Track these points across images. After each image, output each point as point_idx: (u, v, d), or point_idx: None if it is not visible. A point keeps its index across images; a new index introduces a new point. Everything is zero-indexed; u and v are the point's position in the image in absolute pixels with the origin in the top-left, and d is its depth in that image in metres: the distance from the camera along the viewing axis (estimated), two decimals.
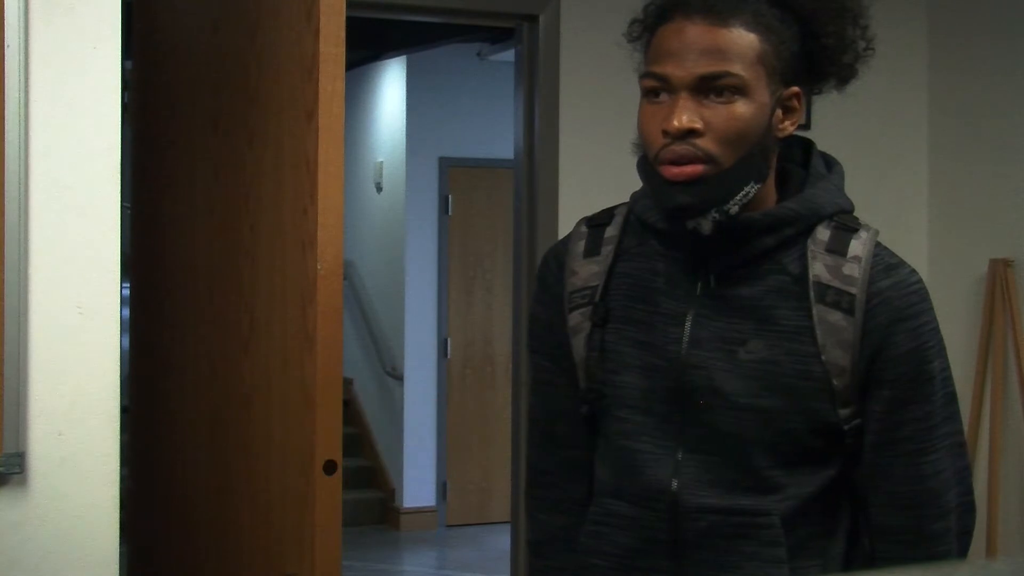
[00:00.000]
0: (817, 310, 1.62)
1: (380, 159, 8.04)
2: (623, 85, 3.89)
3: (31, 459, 2.13)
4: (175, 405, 2.91)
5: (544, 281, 1.80)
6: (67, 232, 2.15)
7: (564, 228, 3.64)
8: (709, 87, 1.58)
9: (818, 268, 1.63)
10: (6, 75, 2.08)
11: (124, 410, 2.26)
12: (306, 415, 2.22)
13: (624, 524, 1.70)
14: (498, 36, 6.22)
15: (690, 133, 1.57)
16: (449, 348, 7.74)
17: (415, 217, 7.68)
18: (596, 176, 3.66)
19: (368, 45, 7.07)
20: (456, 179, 7.74)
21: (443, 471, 7.74)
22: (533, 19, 3.71)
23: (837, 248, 1.63)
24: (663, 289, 1.68)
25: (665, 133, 1.58)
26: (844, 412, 1.63)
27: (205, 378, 2.72)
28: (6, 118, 2.07)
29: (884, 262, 1.64)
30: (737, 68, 1.58)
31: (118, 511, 2.17)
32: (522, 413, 3.77)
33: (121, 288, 2.20)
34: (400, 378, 7.70)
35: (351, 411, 8.10)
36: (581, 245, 1.76)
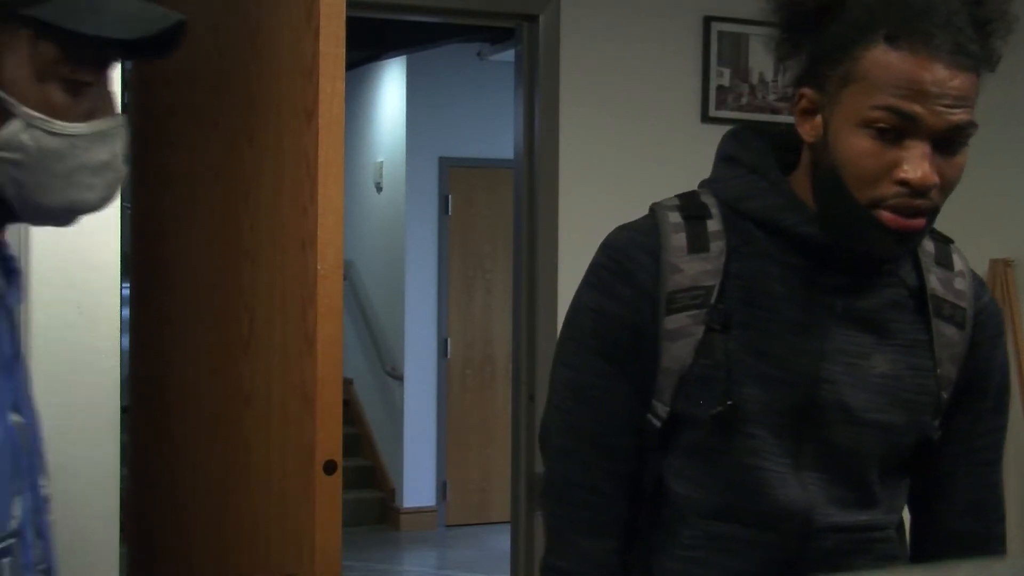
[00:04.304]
0: (935, 324, 1.59)
1: (380, 159, 8.04)
2: (623, 85, 3.90)
3: None
4: (175, 405, 2.91)
5: (628, 275, 1.58)
6: (67, 232, 2.15)
7: (564, 228, 3.64)
8: (950, 136, 1.46)
9: (934, 281, 1.60)
10: None
11: (124, 410, 2.27)
12: (306, 415, 2.22)
13: (735, 548, 1.57)
14: (498, 36, 6.22)
15: (929, 188, 1.46)
16: (449, 348, 7.74)
17: (415, 217, 7.68)
18: (596, 176, 3.66)
19: (368, 45, 7.07)
20: (456, 179, 7.74)
21: (443, 471, 7.74)
22: (533, 19, 3.71)
23: (943, 261, 1.62)
24: (782, 295, 1.56)
25: (903, 183, 1.45)
26: (936, 423, 1.61)
27: (205, 378, 2.72)
28: None
29: (977, 277, 1.65)
30: (974, 116, 1.47)
31: (118, 511, 2.17)
32: (523, 413, 3.77)
33: (121, 288, 2.20)
34: (400, 378, 7.70)
35: (351, 411, 8.10)
36: (681, 238, 1.58)
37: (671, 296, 1.56)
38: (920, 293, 1.60)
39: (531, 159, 3.68)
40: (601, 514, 1.62)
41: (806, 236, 1.54)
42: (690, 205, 1.60)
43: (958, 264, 1.63)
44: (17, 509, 1.23)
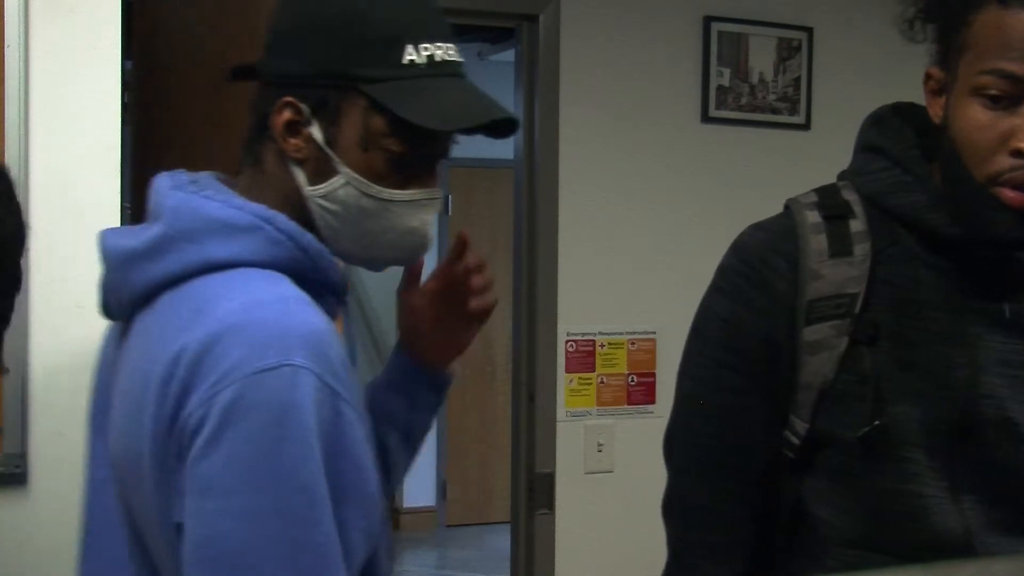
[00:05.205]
0: None
1: None
2: (623, 85, 3.89)
3: (32, 459, 2.13)
4: None
5: (764, 282, 1.46)
6: (67, 232, 2.15)
7: (564, 228, 3.64)
8: None
9: None
10: (6, 75, 2.08)
11: None
12: None
13: None
14: (498, 36, 6.22)
15: None
16: None
17: None
18: (596, 176, 3.65)
19: None
20: (456, 179, 7.74)
21: (443, 471, 7.74)
22: (533, 19, 3.71)
23: None
24: (932, 302, 1.43)
25: (1018, 153, 1.33)
26: None
27: None
28: (6, 118, 2.08)
29: None
30: None
31: None
32: (523, 413, 3.76)
33: None
34: None
35: None
36: (822, 240, 1.44)
37: (811, 305, 1.43)
38: None
39: (531, 159, 3.68)
40: (724, 537, 1.51)
41: (954, 237, 1.41)
42: (830, 203, 1.47)
43: None
44: None
